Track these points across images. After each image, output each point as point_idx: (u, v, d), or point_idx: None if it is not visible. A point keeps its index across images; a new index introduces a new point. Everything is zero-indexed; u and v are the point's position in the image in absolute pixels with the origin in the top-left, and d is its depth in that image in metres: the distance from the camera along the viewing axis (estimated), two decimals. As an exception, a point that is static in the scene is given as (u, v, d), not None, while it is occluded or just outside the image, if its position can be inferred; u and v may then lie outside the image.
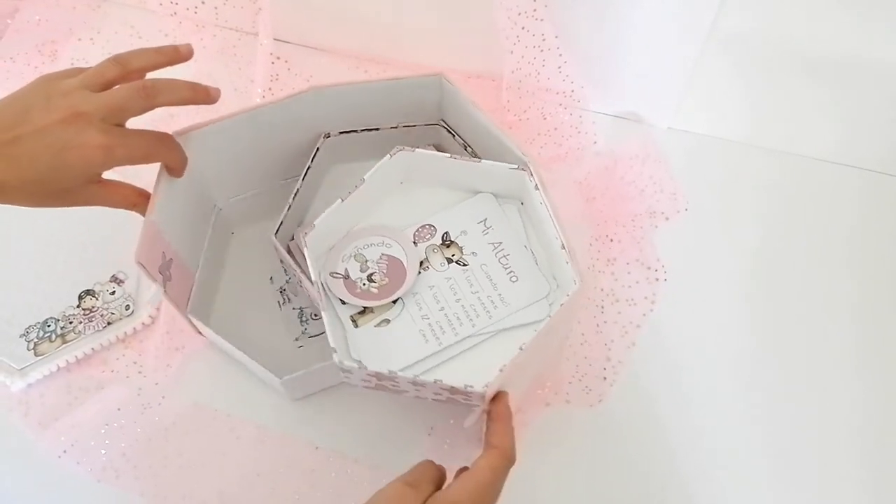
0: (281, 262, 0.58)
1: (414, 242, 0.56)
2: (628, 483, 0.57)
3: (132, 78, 0.49)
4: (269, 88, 0.75)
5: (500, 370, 0.45)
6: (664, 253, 0.67)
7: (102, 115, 0.46)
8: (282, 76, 0.76)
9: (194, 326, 0.58)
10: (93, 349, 0.61)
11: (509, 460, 0.45)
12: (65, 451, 0.57)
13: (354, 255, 0.56)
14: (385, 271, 0.55)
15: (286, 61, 0.76)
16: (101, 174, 0.48)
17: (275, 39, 0.76)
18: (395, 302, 0.54)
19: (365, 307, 0.54)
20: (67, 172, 0.45)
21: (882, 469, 0.58)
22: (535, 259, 0.54)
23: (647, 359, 0.62)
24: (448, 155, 0.56)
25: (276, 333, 0.61)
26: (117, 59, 0.49)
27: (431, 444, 0.58)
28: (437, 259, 0.55)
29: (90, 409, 0.58)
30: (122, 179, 0.52)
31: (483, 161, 0.55)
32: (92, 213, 0.66)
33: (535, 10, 0.66)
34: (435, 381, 0.46)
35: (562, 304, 0.47)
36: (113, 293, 0.63)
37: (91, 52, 0.78)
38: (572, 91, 0.73)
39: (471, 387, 0.45)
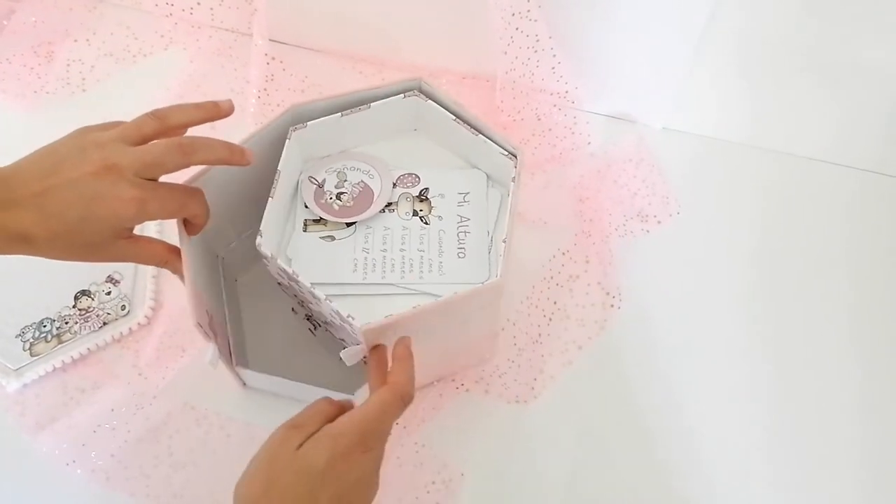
0: (279, 284, 0.59)
1: (394, 184, 0.58)
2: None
3: (170, 134, 0.48)
4: (265, 89, 0.75)
5: (386, 317, 0.46)
6: (655, 254, 0.67)
7: (136, 170, 0.44)
8: (277, 76, 0.76)
9: (241, 379, 0.59)
10: (88, 349, 0.61)
11: (402, 398, 0.45)
12: (58, 452, 0.57)
13: (338, 171, 0.58)
14: (355, 196, 0.57)
15: (281, 62, 0.77)
16: (131, 229, 0.47)
17: (270, 40, 0.76)
18: (348, 225, 0.56)
19: (321, 217, 0.56)
20: (97, 225, 0.44)
21: (880, 470, 0.59)
22: (491, 247, 0.55)
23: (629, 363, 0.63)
24: (453, 117, 0.57)
25: (319, 358, 0.61)
26: (156, 114, 0.48)
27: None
28: (404, 207, 0.57)
29: (85, 410, 0.59)
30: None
31: (479, 135, 0.56)
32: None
33: (528, 11, 0.66)
34: (326, 299, 0.48)
35: (472, 288, 0.48)
36: (109, 293, 0.63)
37: (87, 54, 0.78)
38: (566, 92, 0.73)
39: (352, 318, 0.47)
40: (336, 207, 0.56)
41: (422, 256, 0.55)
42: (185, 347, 0.61)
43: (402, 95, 0.57)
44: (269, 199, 0.53)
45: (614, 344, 0.63)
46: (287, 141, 0.55)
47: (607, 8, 0.65)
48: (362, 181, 0.58)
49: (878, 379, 0.62)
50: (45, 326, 0.62)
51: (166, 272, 0.64)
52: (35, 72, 0.76)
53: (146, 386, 0.60)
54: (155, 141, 0.47)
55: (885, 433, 0.60)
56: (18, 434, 0.58)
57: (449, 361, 0.60)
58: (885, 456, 0.59)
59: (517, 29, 0.67)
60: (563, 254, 0.67)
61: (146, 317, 0.63)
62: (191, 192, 0.49)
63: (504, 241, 0.51)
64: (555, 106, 0.74)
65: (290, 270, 0.50)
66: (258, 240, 0.51)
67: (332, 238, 0.56)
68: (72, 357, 0.61)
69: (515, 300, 0.64)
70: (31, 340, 0.61)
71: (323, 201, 0.57)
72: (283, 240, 0.56)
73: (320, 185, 0.57)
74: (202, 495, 0.56)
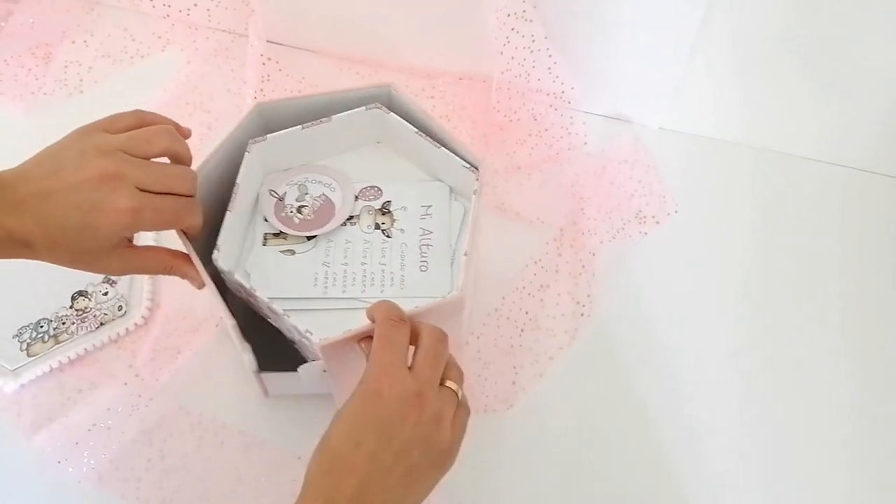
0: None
1: (356, 197, 0.58)
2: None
3: (176, 158, 0.48)
4: (261, 89, 0.75)
5: (344, 332, 0.45)
6: (653, 254, 0.67)
7: (137, 182, 0.44)
8: (273, 77, 0.76)
9: (264, 387, 0.57)
10: (85, 350, 0.61)
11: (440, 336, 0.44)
12: (53, 452, 0.57)
13: (299, 184, 0.58)
14: (316, 209, 0.56)
15: (277, 62, 0.77)
16: (130, 238, 0.47)
17: (268, 41, 0.76)
18: (309, 239, 0.56)
19: (281, 231, 0.56)
20: (94, 233, 0.44)
21: (876, 469, 0.58)
22: (453, 260, 0.55)
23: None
24: (415, 130, 0.56)
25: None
26: (171, 134, 0.48)
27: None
28: (367, 220, 0.57)
29: (82, 410, 0.58)
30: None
31: (441, 148, 0.55)
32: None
33: (524, 12, 0.66)
34: (284, 313, 0.47)
35: (432, 302, 0.47)
36: (106, 294, 0.63)
37: (84, 55, 0.78)
38: (562, 92, 0.73)
39: (310, 333, 0.46)
40: (296, 221, 0.56)
41: (383, 270, 0.54)
42: (181, 349, 0.61)
43: (363, 108, 0.57)
44: (228, 212, 0.52)
45: (602, 349, 0.63)
46: (246, 154, 0.54)
47: (603, 8, 0.65)
48: (324, 194, 0.57)
49: (874, 377, 0.62)
50: (42, 327, 0.62)
51: (163, 273, 0.64)
52: (33, 73, 0.76)
53: (142, 387, 0.60)
54: (165, 163, 0.47)
55: (881, 431, 0.60)
56: (15, 434, 0.58)
57: None
58: (882, 455, 0.59)
59: (513, 29, 0.67)
60: (538, 261, 0.66)
61: (143, 317, 0.63)
62: (186, 203, 0.48)
63: (465, 255, 0.50)
64: (551, 106, 0.74)
65: (247, 285, 0.49)
66: (215, 254, 0.50)
67: (293, 252, 0.55)
68: (69, 357, 0.61)
69: (488, 308, 0.64)
70: (28, 341, 0.61)
71: (283, 214, 0.56)
72: (242, 254, 0.55)
73: (281, 199, 0.57)
74: (192, 500, 0.56)
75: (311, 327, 0.47)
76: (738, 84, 0.69)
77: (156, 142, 0.47)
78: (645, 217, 0.69)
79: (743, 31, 0.64)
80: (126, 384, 0.60)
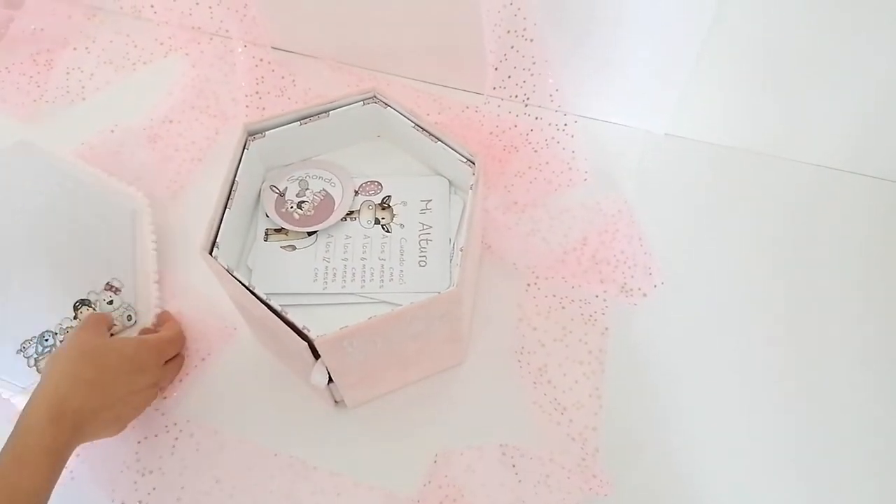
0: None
1: (356, 192, 0.58)
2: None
3: None
4: (256, 92, 0.74)
5: (341, 328, 0.45)
6: (661, 260, 0.66)
7: None
8: (281, 85, 0.75)
9: (334, 397, 0.57)
10: (93, 360, 0.60)
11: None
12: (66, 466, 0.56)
13: (299, 180, 0.58)
14: (316, 205, 0.57)
15: (271, 64, 0.76)
16: None
17: (272, 48, 0.76)
18: (310, 234, 0.56)
19: (282, 227, 0.56)
20: None
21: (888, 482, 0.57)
22: (452, 255, 0.55)
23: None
24: (413, 124, 0.56)
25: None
26: None
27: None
28: (367, 215, 0.57)
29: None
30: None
31: (438, 142, 0.55)
32: (82, 220, 0.64)
33: (525, 30, 0.63)
34: (282, 309, 0.47)
35: (427, 298, 0.47)
36: (111, 302, 0.62)
37: (86, 62, 0.78)
38: (565, 125, 0.69)
39: (308, 329, 0.46)
40: (296, 216, 0.56)
41: (382, 265, 0.55)
42: (191, 357, 0.61)
43: (360, 103, 0.57)
44: (227, 210, 0.52)
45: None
46: (245, 151, 0.54)
47: (601, 28, 0.64)
48: (324, 189, 0.57)
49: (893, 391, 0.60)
50: (47, 340, 0.60)
51: (169, 279, 0.64)
52: (34, 80, 0.76)
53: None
54: None
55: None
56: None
57: (413, 368, 0.58)
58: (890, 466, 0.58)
59: (512, 47, 0.64)
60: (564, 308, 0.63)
61: (153, 325, 0.62)
62: None
63: (461, 250, 0.50)
64: (552, 138, 0.70)
65: (245, 282, 0.49)
66: (215, 251, 0.50)
67: (293, 247, 0.56)
68: (77, 369, 0.59)
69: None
70: (35, 356, 0.59)
71: (284, 210, 0.56)
72: (243, 250, 0.55)
73: (281, 194, 0.57)
74: (170, 501, 0.55)
75: (310, 323, 0.47)
76: (749, 90, 0.68)
77: None
78: (632, 290, 0.64)
79: (753, 37, 0.63)
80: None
